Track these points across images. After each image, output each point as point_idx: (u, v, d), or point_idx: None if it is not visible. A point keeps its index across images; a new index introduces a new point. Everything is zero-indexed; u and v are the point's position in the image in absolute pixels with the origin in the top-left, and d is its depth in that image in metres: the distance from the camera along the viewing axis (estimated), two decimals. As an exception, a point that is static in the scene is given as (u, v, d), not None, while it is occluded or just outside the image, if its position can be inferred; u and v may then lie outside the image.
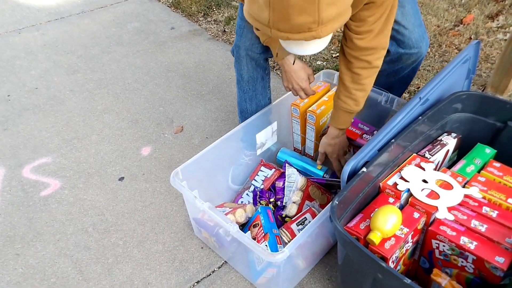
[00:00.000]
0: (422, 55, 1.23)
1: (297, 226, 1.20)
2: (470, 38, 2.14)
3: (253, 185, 1.39)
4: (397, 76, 1.32)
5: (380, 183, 1.02)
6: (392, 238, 0.91)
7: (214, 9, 2.63)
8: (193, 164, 1.21)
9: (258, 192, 1.31)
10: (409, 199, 0.99)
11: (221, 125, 1.77)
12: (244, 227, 1.23)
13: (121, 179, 1.55)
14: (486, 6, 2.39)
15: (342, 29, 1.03)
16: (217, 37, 2.40)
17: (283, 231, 1.19)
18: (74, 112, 1.88)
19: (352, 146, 1.32)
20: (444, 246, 0.93)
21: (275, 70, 2.07)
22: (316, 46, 0.78)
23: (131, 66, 2.18)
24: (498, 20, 2.25)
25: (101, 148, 1.68)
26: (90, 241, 1.34)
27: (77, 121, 1.83)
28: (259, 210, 1.21)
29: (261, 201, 1.29)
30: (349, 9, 0.75)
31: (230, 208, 1.27)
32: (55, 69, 2.17)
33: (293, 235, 1.17)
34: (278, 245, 1.13)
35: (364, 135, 1.30)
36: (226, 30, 2.44)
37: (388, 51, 1.22)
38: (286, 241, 1.16)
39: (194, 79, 2.06)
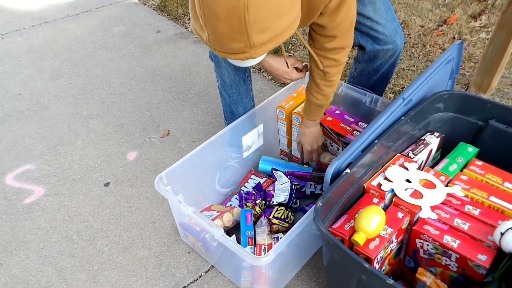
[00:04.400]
0: (398, 49, 1.24)
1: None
2: (454, 38, 2.17)
3: (242, 190, 1.39)
4: (377, 74, 1.33)
5: (365, 184, 1.03)
6: (377, 239, 0.91)
7: (200, 12, 2.62)
8: (178, 168, 1.20)
9: (243, 194, 1.31)
10: (393, 199, 1.00)
11: (207, 128, 1.76)
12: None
13: (107, 184, 1.53)
14: (469, 6, 2.42)
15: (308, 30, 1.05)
16: (203, 40, 2.39)
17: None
18: (59, 118, 1.85)
19: (342, 142, 1.32)
20: (428, 245, 0.94)
21: (261, 72, 2.07)
22: (253, 62, 0.81)
23: (116, 70, 2.16)
24: (481, 20, 2.28)
25: (86, 154, 1.66)
26: (74, 249, 1.32)
27: (61, 127, 1.80)
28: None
29: (247, 203, 1.28)
30: (288, 30, 0.75)
31: (217, 211, 1.26)
32: (39, 74, 2.14)
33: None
34: (249, 246, 1.15)
35: (354, 132, 1.30)
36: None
37: (364, 49, 1.24)
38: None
39: (180, 83, 2.05)
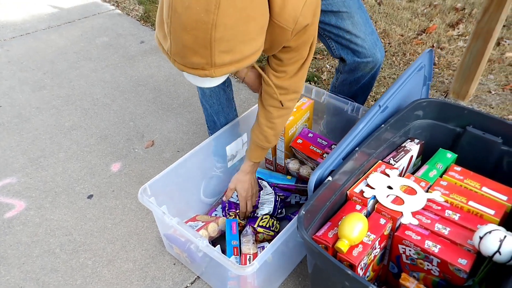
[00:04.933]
0: (378, 62, 1.26)
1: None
2: (433, 46, 2.22)
3: (229, 200, 1.39)
4: (358, 84, 1.36)
5: (348, 191, 1.04)
6: (360, 245, 0.92)
7: (184, 22, 2.63)
8: (162, 179, 1.19)
9: (226, 204, 1.30)
10: (376, 206, 1.01)
11: (192, 138, 1.76)
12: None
13: (90, 197, 1.51)
14: (447, 15, 2.49)
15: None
16: (187, 50, 2.40)
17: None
18: (41, 130, 1.83)
19: (315, 164, 1.33)
20: (410, 250, 0.95)
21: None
22: (210, 82, 0.81)
23: (100, 81, 2.15)
24: (458, 29, 2.35)
25: (69, 166, 1.64)
26: (57, 263, 1.29)
27: (43, 139, 1.78)
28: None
29: (229, 213, 1.28)
30: (250, 57, 0.76)
31: (202, 221, 1.26)
32: (20, 86, 2.11)
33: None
34: (234, 256, 1.15)
35: (324, 155, 1.31)
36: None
37: (345, 61, 1.27)
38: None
39: (164, 93, 2.05)
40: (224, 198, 1.32)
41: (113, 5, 2.96)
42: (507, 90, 1.87)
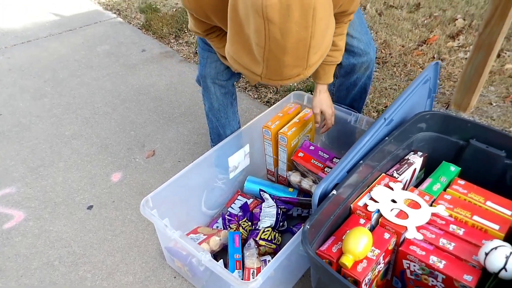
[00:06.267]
0: (372, 60, 1.30)
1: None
2: (433, 57, 2.23)
3: (229, 211, 1.38)
4: (356, 87, 1.38)
5: (351, 204, 1.03)
6: (364, 261, 0.91)
7: (186, 31, 2.65)
8: (163, 190, 1.18)
9: (226, 216, 1.29)
10: (380, 220, 1.00)
11: (193, 148, 1.76)
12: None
13: (90, 207, 1.50)
14: (447, 26, 2.51)
15: None
16: (189, 59, 2.40)
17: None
18: (41, 139, 1.82)
19: (317, 177, 1.33)
20: (414, 265, 0.94)
21: (247, 91, 2.08)
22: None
23: (101, 89, 2.14)
24: (458, 40, 2.36)
25: (69, 176, 1.63)
26: (56, 276, 1.27)
27: (43, 148, 1.77)
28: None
29: (230, 225, 1.27)
30: (330, 42, 0.78)
31: (204, 234, 1.24)
32: (20, 94, 2.10)
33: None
34: (236, 270, 1.13)
35: (325, 169, 1.31)
36: (197, 51, 2.45)
37: (340, 63, 1.29)
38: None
39: (165, 102, 2.04)
40: (316, 125, 1.36)
41: (115, 13, 2.97)
42: (508, 102, 1.87)
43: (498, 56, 2.16)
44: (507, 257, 0.81)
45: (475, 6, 2.70)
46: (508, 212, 0.99)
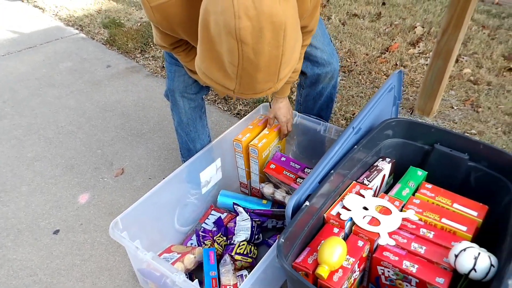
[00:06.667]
0: (335, 70, 1.33)
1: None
2: (396, 64, 2.31)
3: (203, 227, 1.35)
4: (322, 97, 1.41)
5: (324, 214, 1.03)
6: (340, 270, 0.91)
7: (152, 45, 2.61)
8: (134, 211, 1.14)
9: (200, 233, 1.27)
10: (353, 228, 1.01)
11: (164, 164, 1.72)
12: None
13: (56, 232, 1.43)
14: (408, 34, 2.61)
15: None
16: (156, 73, 2.37)
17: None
18: (1, 162, 1.73)
19: (289, 188, 1.33)
20: (389, 271, 0.95)
21: (217, 103, 2.07)
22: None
23: (64, 108, 2.07)
24: (419, 47, 2.46)
25: (33, 200, 1.55)
26: (21, 307, 1.20)
27: (3, 172, 1.68)
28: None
29: (205, 241, 1.25)
30: (298, 54, 0.80)
31: (178, 252, 1.21)
32: (-23, 116, 2.00)
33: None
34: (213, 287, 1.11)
35: (298, 179, 1.32)
36: (165, 66, 2.42)
37: (305, 74, 1.33)
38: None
39: (133, 118, 2.00)
40: (268, 126, 1.41)
41: (77, 29, 2.90)
42: (468, 105, 1.96)
43: (456, 61, 2.27)
44: (476, 258, 0.84)
45: (432, 14, 2.83)
46: (474, 213, 1.03)
